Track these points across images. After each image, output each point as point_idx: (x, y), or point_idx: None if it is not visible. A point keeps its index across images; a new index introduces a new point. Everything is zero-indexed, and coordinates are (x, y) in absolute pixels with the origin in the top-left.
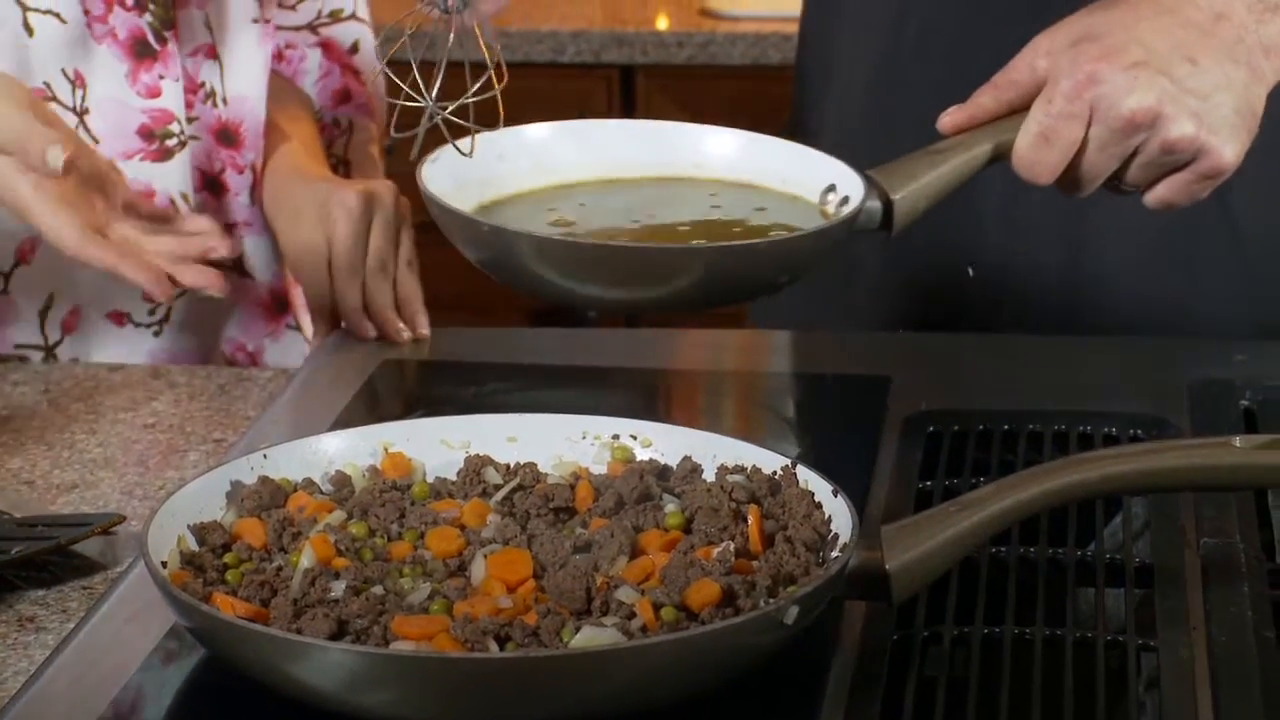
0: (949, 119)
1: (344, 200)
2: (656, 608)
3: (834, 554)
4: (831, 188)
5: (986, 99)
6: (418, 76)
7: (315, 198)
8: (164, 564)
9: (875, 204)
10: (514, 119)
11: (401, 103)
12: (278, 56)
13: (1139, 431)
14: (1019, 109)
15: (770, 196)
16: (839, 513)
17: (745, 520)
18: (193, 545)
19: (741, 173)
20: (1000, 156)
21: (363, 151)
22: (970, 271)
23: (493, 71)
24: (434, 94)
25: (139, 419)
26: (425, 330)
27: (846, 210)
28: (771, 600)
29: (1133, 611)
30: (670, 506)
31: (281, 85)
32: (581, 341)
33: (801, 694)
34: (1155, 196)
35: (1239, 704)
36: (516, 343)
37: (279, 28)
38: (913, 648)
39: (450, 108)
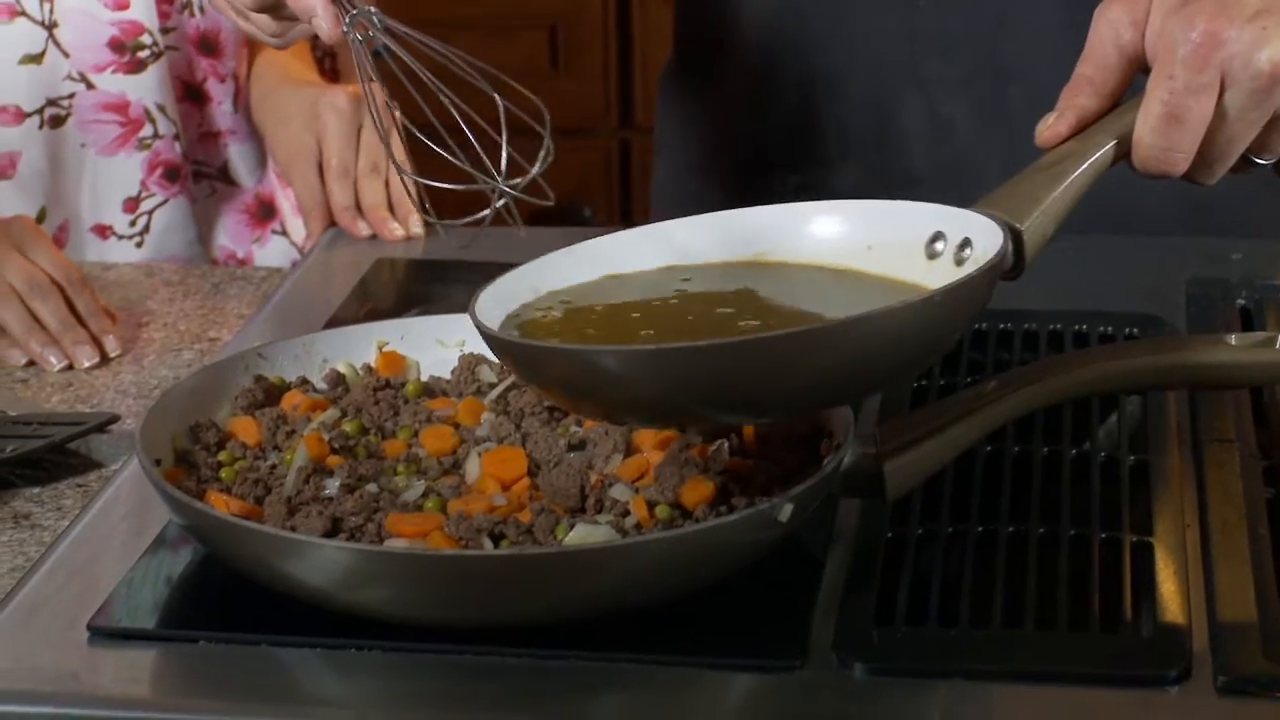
0: (1049, 132)
1: (334, 102)
2: (651, 506)
3: (829, 452)
4: (939, 236)
5: (1083, 98)
6: (482, 153)
7: (304, 101)
8: (158, 462)
9: (1006, 243)
10: (499, 15)
11: (454, 187)
12: None
13: (1135, 330)
14: (1120, 97)
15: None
16: (835, 411)
17: None
18: (187, 443)
19: (809, 254)
20: (1121, 154)
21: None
22: None
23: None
24: (502, 171)
25: (133, 318)
26: (419, 229)
27: (991, 252)
28: (766, 498)
29: (1127, 509)
30: None
31: None
32: (577, 240)
33: (795, 591)
34: None
35: (1233, 601)
36: (511, 241)
37: None
38: (907, 545)
39: (521, 184)
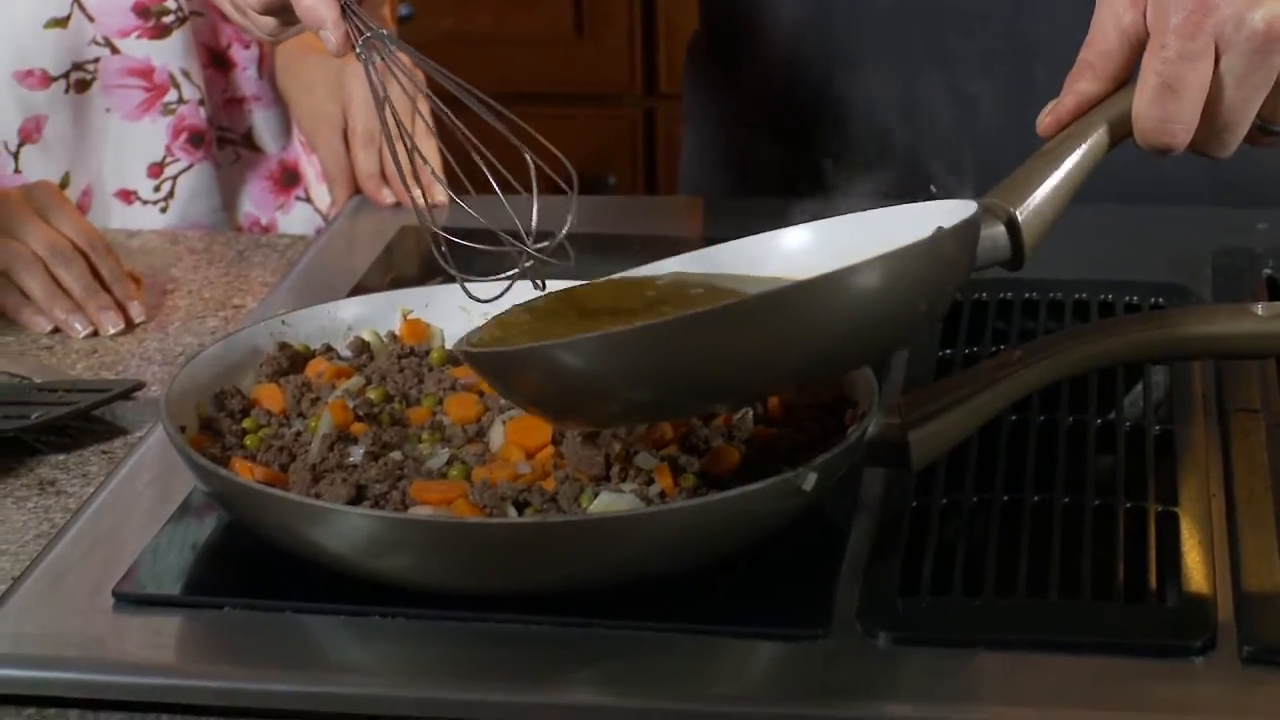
0: (1049, 119)
1: (359, 70)
2: (675, 474)
3: (854, 421)
4: (940, 230)
5: (1084, 83)
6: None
7: (329, 69)
8: (183, 429)
9: (998, 228)
10: None
11: (479, 247)
12: None
13: (1160, 300)
14: (1123, 81)
15: None
16: (859, 380)
17: None
18: (211, 410)
19: (814, 265)
20: (1120, 134)
21: (374, 13)
22: (933, 189)
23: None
24: (531, 231)
25: (157, 285)
26: (443, 196)
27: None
28: (790, 467)
29: (1152, 478)
30: None
31: None
32: (603, 208)
33: (820, 560)
34: None
35: (1258, 571)
36: (535, 209)
37: None
38: (931, 515)
39: (549, 247)
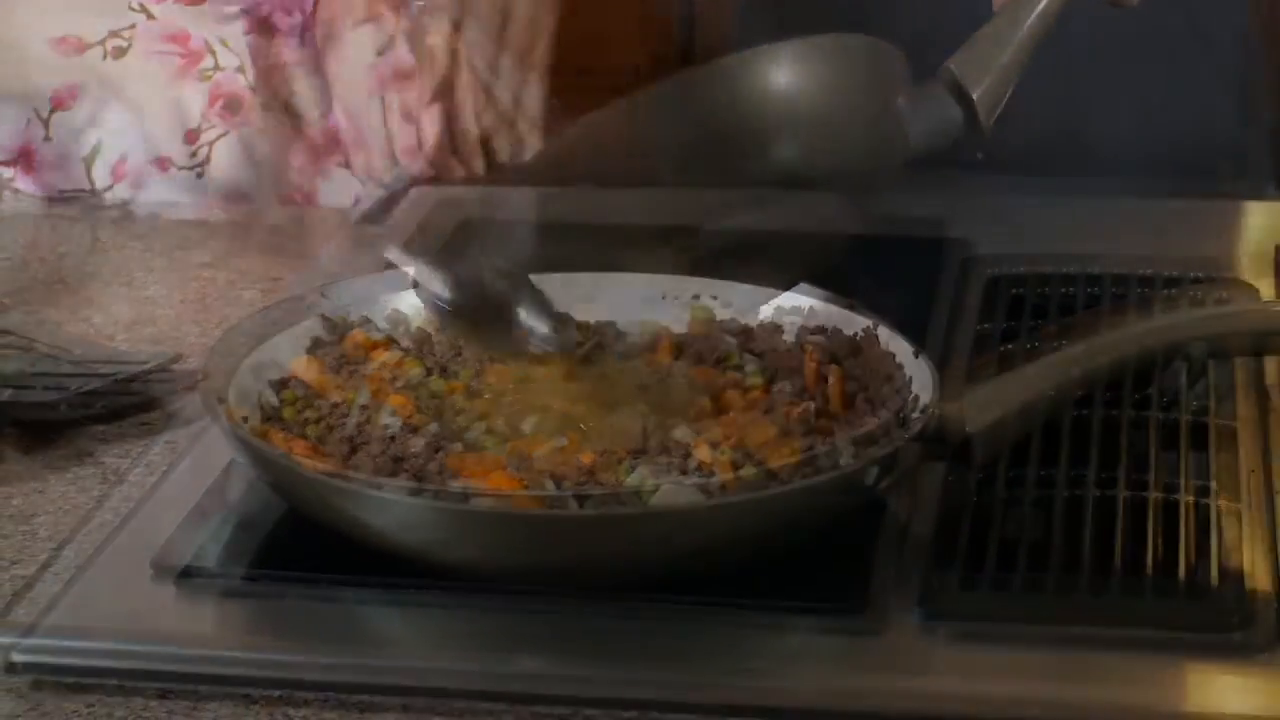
0: None
1: (398, 42)
2: (735, 466)
3: (915, 415)
4: None
5: None
6: None
7: (369, 39)
8: (220, 401)
9: (939, 89)
10: None
11: None
12: None
13: (1225, 294)
14: None
15: None
16: (920, 374)
17: (826, 381)
18: (249, 383)
19: None
20: None
21: None
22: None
23: None
24: None
25: (195, 257)
26: (480, 169)
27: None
28: (852, 461)
29: (1217, 473)
30: (750, 367)
31: None
32: (658, 200)
33: (880, 556)
34: None
35: None
36: (588, 201)
37: None
38: (993, 510)
39: None
